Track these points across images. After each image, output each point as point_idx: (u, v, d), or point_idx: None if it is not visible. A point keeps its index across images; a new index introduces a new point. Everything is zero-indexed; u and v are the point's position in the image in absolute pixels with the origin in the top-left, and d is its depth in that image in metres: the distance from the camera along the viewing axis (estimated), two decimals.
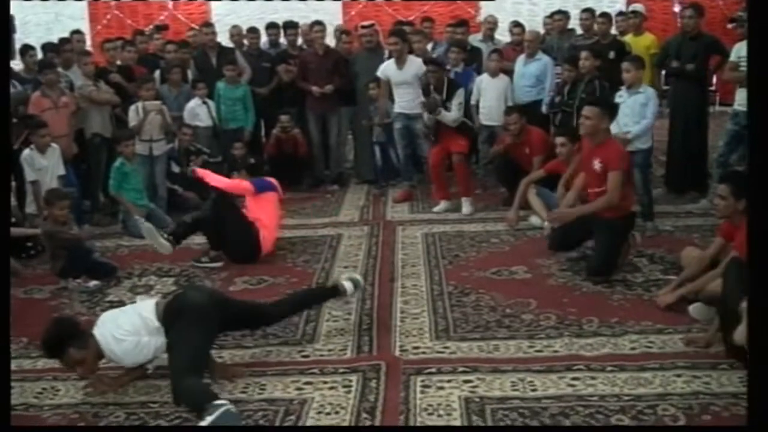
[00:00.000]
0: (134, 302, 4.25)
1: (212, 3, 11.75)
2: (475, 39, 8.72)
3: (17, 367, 4.15)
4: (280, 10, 11.19)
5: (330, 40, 8.87)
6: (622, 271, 5.08)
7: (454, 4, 11.50)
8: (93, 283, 5.44)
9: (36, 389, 3.89)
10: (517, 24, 8.69)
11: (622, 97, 6.27)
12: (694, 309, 4.28)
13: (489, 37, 8.76)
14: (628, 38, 8.18)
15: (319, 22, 8.36)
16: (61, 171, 6.69)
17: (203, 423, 3.19)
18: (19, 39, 9.85)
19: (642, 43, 8.00)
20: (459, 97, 6.79)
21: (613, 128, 6.29)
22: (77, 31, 8.98)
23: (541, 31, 8.87)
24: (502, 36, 9.34)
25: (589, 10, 8.60)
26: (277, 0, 11.48)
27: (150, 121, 7.35)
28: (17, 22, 10.24)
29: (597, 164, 5.07)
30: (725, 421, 3.25)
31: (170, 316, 3.69)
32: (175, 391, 3.49)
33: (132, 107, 7.39)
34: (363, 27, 8.27)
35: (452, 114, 6.74)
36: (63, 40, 8.27)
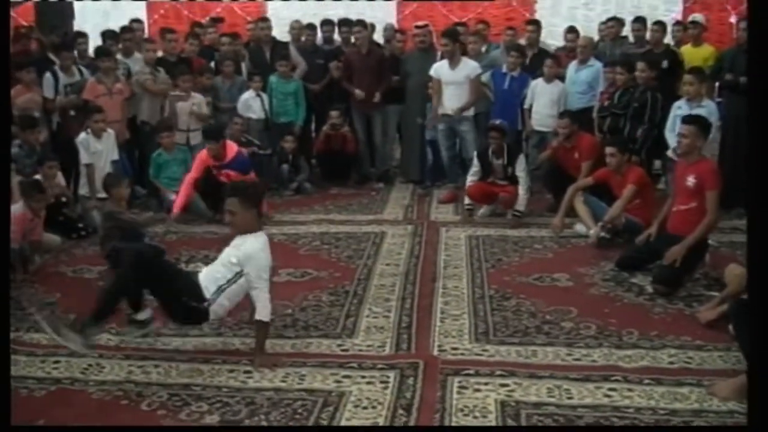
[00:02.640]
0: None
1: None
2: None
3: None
4: (336, 7, 11.27)
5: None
6: (685, 288, 4.98)
7: (509, 6, 11.46)
8: None
9: (82, 365, 4.00)
10: (571, 30, 8.63)
11: (681, 108, 6.21)
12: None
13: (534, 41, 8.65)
14: (686, 49, 8.06)
15: (360, 22, 8.39)
16: (115, 156, 6.92)
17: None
18: (78, 25, 10.11)
19: (700, 54, 7.86)
20: (521, 163, 6.78)
21: (671, 140, 6.25)
22: (137, 20, 9.20)
23: (596, 37, 8.78)
24: (557, 41, 9.30)
25: (640, 20, 8.48)
26: None
27: (182, 112, 7.51)
28: (75, 8, 10.47)
29: (691, 180, 5.00)
30: None
31: None
32: None
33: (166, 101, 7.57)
34: (417, 27, 8.31)
35: (524, 193, 6.65)
36: (124, 29, 8.46)
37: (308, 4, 11.57)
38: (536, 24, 8.51)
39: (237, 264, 3.97)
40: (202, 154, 6.78)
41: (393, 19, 11.03)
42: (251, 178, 6.60)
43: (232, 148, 6.85)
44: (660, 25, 8.01)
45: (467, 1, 11.65)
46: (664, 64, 7.38)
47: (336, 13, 10.55)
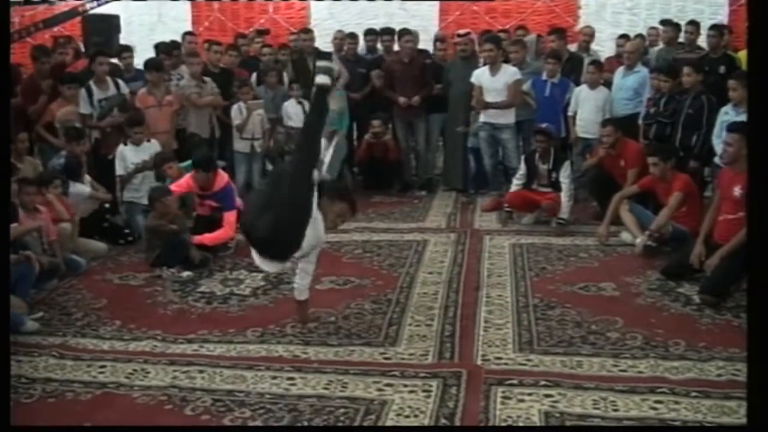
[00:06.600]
0: None
1: (312, 7, 11.93)
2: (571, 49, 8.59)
3: (110, 348, 4.38)
4: (378, 16, 11.29)
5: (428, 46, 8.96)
6: (733, 298, 4.84)
7: (552, 12, 11.36)
8: (186, 273, 5.65)
9: (128, 370, 4.06)
10: (623, 36, 8.52)
11: (728, 114, 6.07)
12: None
13: (585, 48, 8.62)
14: (744, 54, 7.86)
15: (407, 31, 8.42)
16: None
17: None
18: (124, 38, 10.27)
19: None
20: (566, 169, 6.73)
21: (718, 148, 6.12)
22: (190, 33, 9.35)
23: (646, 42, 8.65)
24: (600, 47, 9.19)
25: (693, 23, 8.32)
26: (376, 3, 11.51)
27: (252, 120, 7.60)
28: (122, 22, 10.65)
29: (738, 191, 4.86)
30: None
31: None
32: None
33: (234, 107, 7.64)
34: (458, 35, 8.30)
35: (566, 200, 6.62)
36: (173, 43, 8.60)
37: (351, 9, 11.58)
38: (560, 32, 8.40)
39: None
40: (189, 179, 6.14)
41: (435, 26, 11.01)
42: (231, 215, 6.09)
43: (222, 179, 6.21)
44: (716, 29, 7.79)
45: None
46: (722, 69, 7.20)
47: (379, 21, 10.61)
